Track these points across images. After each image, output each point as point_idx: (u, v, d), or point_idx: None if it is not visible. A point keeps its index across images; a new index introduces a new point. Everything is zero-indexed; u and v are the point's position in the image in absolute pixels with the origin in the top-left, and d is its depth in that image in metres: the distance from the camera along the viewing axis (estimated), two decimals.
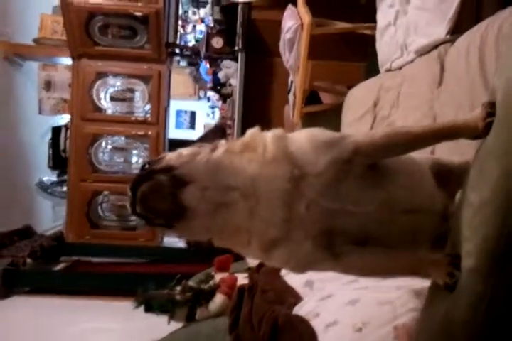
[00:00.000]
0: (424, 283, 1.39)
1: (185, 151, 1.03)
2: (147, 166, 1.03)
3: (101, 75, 4.44)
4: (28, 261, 3.63)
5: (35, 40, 4.46)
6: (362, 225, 1.01)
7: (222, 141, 1.06)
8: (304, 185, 0.97)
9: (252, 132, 1.06)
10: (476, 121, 0.97)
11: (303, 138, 1.03)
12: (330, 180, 0.98)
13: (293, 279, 2.11)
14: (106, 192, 4.43)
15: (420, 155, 1.16)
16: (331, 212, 0.98)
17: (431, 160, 1.18)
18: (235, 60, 4.43)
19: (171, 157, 1.03)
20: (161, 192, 0.97)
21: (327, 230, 0.98)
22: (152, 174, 0.99)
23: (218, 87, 4.69)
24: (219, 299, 2.63)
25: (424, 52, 2.13)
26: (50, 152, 4.73)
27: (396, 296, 1.41)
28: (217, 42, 4.39)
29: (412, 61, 2.27)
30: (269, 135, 1.03)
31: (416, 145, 1.05)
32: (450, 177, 1.16)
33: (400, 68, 2.40)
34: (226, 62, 4.52)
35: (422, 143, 1.07)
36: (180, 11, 5.31)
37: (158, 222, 1.00)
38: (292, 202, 0.97)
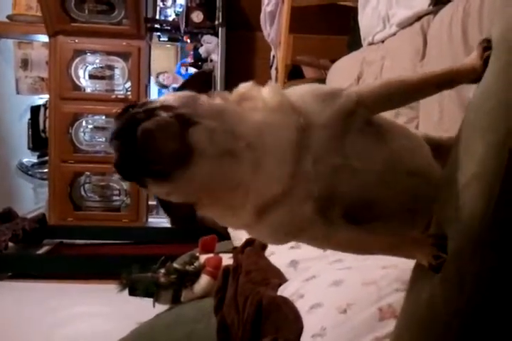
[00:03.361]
0: (410, 263, 1.36)
1: (180, 94, 0.92)
2: (131, 109, 0.88)
3: (79, 53, 4.33)
4: (10, 244, 3.57)
5: (9, 17, 4.33)
6: (364, 187, 0.94)
7: (217, 94, 0.95)
8: (310, 137, 0.90)
9: (246, 84, 0.97)
10: (474, 61, 0.94)
11: (303, 90, 0.96)
12: (335, 133, 0.92)
13: (277, 259, 2.09)
14: (88, 173, 4.36)
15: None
16: (336, 169, 0.91)
17: (421, 135, 1.14)
18: (216, 34, 4.33)
19: (166, 98, 0.91)
20: (169, 130, 0.83)
21: (328, 193, 0.92)
22: (151, 112, 0.84)
23: (199, 63, 4.59)
24: (204, 280, 2.60)
25: (406, 24, 2.07)
26: (30, 133, 4.63)
27: (380, 276, 1.38)
28: (197, 17, 4.28)
29: (394, 34, 2.21)
30: (266, 87, 0.96)
31: (415, 93, 1.01)
32: (439, 152, 1.12)
33: (383, 41, 2.34)
34: (206, 37, 4.42)
35: (421, 92, 1.02)
36: None
37: (157, 169, 0.85)
38: (299, 155, 0.89)
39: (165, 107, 0.85)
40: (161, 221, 4.75)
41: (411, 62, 1.94)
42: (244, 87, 0.96)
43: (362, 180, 0.93)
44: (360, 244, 0.98)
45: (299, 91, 0.96)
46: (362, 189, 0.93)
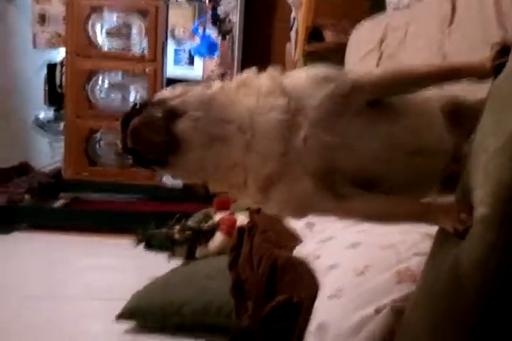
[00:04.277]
0: (430, 228, 1.38)
1: (179, 87, 1.02)
2: (138, 106, 1.01)
3: (96, 9, 4.27)
4: (26, 197, 3.63)
5: None
6: (364, 164, 0.98)
7: (217, 81, 1.05)
8: (301, 118, 0.95)
9: (249, 72, 1.04)
10: (485, 61, 0.96)
11: (300, 74, 1.02)
12: (328, 114, 0.96)
13: (294, 221, 2.11)
14: (103, 130, 4.37)
15: (433, 92, 1.12)
16: (330, 147, 0.95)
17: (445, 98, 1.14)
18: None
19: (163, 92, 1.02)
20: (153, 124, 0.95)
21: (327, 168, 0.95)
22: (143, 108, 0.97)
23: (217, 23, 4.53)
24: (218, 238, 2.66)
25: None
26: (46, 88, 4.63)
27: (399, 240, 1.41)
28: None
29: None
30: (265, 73, 1.02)
31: (420, 83, 1.03)
32: (465, 116, 1.13)
33: (408, 6, 2.31)
34: None
35: (426, 82, 1.03)
36: None
37: (151, 158, 0.97)
38: (289, 134, 0.94)
39: (157, 103, 0.98)
40: (174, 182, 4.78)
41: (438, 28, 1.92)
42: (246, 73, 1.04)
43: (359, 158, 0.97)
44: (383, 211, 0.99)
45: (297, 75, 1.02)
46: (360, 166, 0.97)
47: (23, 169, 4.19)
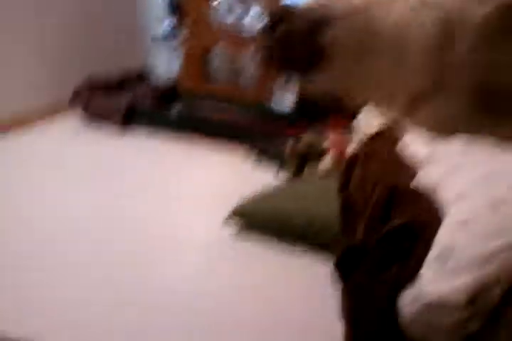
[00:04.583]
0: None
1: None
2: (280, 14, 0.94)
3: None
4: (146, 102, 3.77)
5: None
6: None
7: None
8: (460, 32, 0.85)
9: None
10: None
11: None
12: (492, 30, 0.85)
13: (413, 150, 2.04)
14: (219, 49, 4.37)
15: None
16: (491, 65, 0.86)
17: None
18: None
19: (308, 2, 0.95)
20: (300, 33, 0.89)
21: (487, 87, 0.87)
22: (287, 16, 0.91)
23: None
24: (329, 160, 2.66)
25: None
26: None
27: None
28: None
29: None
30: None
31: None
32: None
33: None
34: None
35: None
36: None
37: (300, 67, 0.92)
38: (446, 46, 0.85)
39: (303, 10, 0.90)
40: (286, 103, 4.76)
41: None
42: None
43: None
44: None
45: None
46: None
47: (144, 76, 4.37)
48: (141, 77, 4.35)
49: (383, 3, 0.92)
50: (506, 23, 0.87)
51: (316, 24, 0.90)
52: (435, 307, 1.20)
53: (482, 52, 0.86)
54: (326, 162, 2.65)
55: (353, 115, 2.89)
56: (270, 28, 0.95)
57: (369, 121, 2.87)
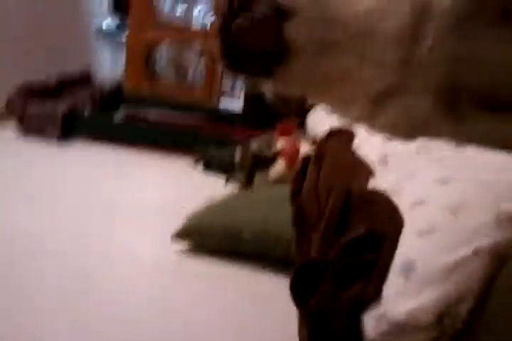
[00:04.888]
0: None
1: None
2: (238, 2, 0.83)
3: None
4: (87, 107, 3.59)
5: None
6: (497, 82, 0.82)
7: None
8: (427, 23, 0.80)
9: None
10: None
11: None
12: (459, 18, 0.80)
13: (366, 153, 1.97)
14: (165, 44, 4.23)
15: None
16: (458, 58, 0.81)
17: None
18: None
19: None
20: (263, 24, 0.79)
21: (451, 85, 0.80)
22: (247, 5, 0.80)
23: None
24: (280, 165, 2.55)
25: None
26: None
27: (498, 178, 1.25)
28: None
29: None
30: None
31: None
32: None
33: None
34: None
35: None
36: None
37: (256, 67, 0.82)
38: (413, 40, 0.80)
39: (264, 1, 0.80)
40: (232, 104, 4.66)
41: None
42: None
43: (491, 74, 0.80)
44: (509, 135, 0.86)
45: None
46: (492, 84, 0.81)
47: (85, 78, 4.16)
48: (82, 79, 4.13)
49: None
50: (473, 7, 0.82)
51: (279, 14, 0.81)
52: (403, 328, 1.09)
53: (449, 46, 0.79)
54: (278, 167, 2.53)
55: (304, 118, 2.80)
56: (226, 21, 0.84)
57: (321, 122, 2.79)
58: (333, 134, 2.31)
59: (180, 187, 2.80)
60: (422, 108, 0.82)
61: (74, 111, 3.42)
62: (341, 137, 2.23)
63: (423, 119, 0.84)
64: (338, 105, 0.89)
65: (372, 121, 0.87)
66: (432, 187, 1.35)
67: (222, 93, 4.51)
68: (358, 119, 0.90)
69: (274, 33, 0.79)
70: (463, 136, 0.87)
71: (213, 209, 2.19)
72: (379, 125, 0.88)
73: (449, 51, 0.80)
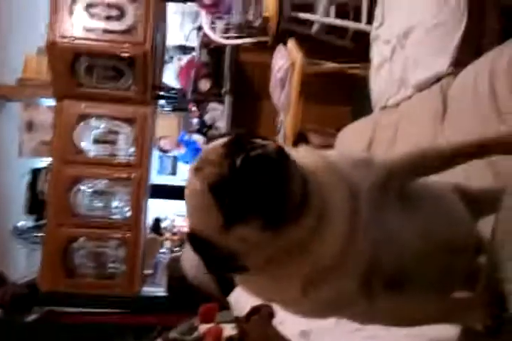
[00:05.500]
0: (441, 331, 1.24)
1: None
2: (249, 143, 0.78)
3: (84, 117, 4.32)
4: None
5: (19, 81, 4.36)
6: (403, 260, 0.87)
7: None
8: (358, 206, 0.84)
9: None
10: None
11: (339, 155, 0.91)
12: (374, 203, 0.86)
13: (287, 329, 1.94)
14: (83, 238, 4.22)
15: (438, 180, 1.04)
16: (379, 242, 0.84)
17: (451, 186, 1.06)
18: (222, 102, 4.36)
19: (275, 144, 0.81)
20: (298, 176, 0.78)
21: (371, 266, 0.83)
22: (282, 153, 0.77)
23: (204, 130, 4.58)
24: None
25: (424, 86, 2.05)
26: (28, 195, 4.54)
27: None
28: (205, 85, 4.32)
29: (410, 97, 2.18)
30: (300, 149, 0.90)
31: (448, 162, 0.95)
32: (472, 204, 1.04)
33: (397, 105, 2.31)
34: (213, 105, 4.44)
35: (455, 161, 0.96)
36: (166, 57, 5.25)
37: (276, 213, 0.77)
38: (353, 227, 0.82)
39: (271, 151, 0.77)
40: (155, 290, 4.56)
41: (430, 124, 1.89)
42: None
43: (400, 252, 0.86)
44: (409, 312, 0.89)
45: (335, 156, 0.90)
46: (399, 262, 0.86)
47: None
48: None
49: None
50: (380, 195, 0.88)
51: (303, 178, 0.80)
52: None
53: (371, 232, 0.83)
54: None
55: (223, 303, 2.78)
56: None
57: (243, 300, 2.76)
58: (253, 312, 2.30)
59: None
60: (349, 288, 0.84)
61: None
62: (262, 315, 2.21)
63: (347, 298, 0.85)
64: (273, 282, 0.86)
65: (299, 300, 0.86)
66: None
67: (144, 279, 4.45)
68: (284, 300, 0.88)
69: (300, 187, 0.79)
70: (374, 310, 0.88)
71: None
72: (302, 304, 0.87)
73: (373, 236, 0.84)
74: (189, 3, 4.56)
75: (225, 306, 3.00)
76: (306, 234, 0.80)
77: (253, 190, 0.73)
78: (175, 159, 6.46)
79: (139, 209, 4.26)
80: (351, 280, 0.83)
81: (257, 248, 0.78)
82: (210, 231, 0.77)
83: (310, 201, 0.78)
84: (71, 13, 4.07)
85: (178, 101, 4.80)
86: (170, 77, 5.01)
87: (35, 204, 4.50)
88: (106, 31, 4.15)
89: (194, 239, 0.80)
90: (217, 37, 3.82)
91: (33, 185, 4.51)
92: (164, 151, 5.20)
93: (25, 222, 4.69)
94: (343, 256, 0.82)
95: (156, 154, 5.16)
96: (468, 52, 1.92)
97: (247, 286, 0.89)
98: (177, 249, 4.99)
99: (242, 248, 0.78)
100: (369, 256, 0.83)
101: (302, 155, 0.86)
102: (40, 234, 4.41)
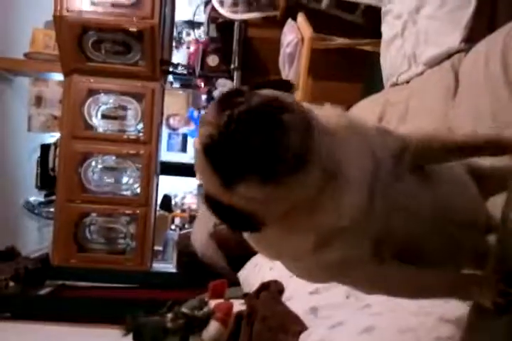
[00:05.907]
0: (450, 310, 1.25)
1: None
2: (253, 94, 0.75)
3: (93, 92, 4.30)
4: (11, 284, 3.44)
5: (26, 55, 4.33)
6: (414, 231, 0.87)
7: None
8: (380, 171, 0.84)
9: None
10: None
11: (362, 121, 0.89)
12: (394, 172, 0.86)
13: (296, 305, 1.96)
14: (94, 214, 4.26)
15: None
16: (394, 210, 0.84)
17: (464, 164, 1.06)
18: (231, 78, 4.33)
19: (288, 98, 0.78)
20: (305, 130, 0.74)
21: (383, 233, 0.84)
22: (288, 106, 0.74)
23: None
24: (213, 327, 2.46)
25: (435, 63, 2.02)
26: (38, 171, 4.57)
27: (418, 323, 1.26)
28: (213, 60, 4.29)
29: (421, 73, 2.15)
30: (326, 107, 0.88)
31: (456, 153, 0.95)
32: (482, 182, 1.04)
33: (408, 81, 2.29)
34: (221, 81, 4.41)
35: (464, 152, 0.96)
36: (175, 33, 5.20)
37: (276, 168, 0.74)
38: (373, 191, 0.82)
39: (298, 106, 0.76)
40: (165, 266, 4.62)
41: (442, 101, 1.87)
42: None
43: (412, 221, 0.86)
44: (417, 283, 0.89)
45: (359, 119, 0.89)
46: (408, 234, 0.86)
47: (10, 254, 4.02)
48: (6, 254, 3.99)
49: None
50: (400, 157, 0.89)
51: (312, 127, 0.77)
52: None
53: (389, 199, 0.83)
54: (211, 329, 2.44)
55: (233, 279, 2.81)
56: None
57: (253, 276, 2.79)
58: (263, 288, 2.32)
59: None
60: (359, 253, 0.84)
61: None
62: (271, 291, 2.23)
63: (356, 259, 0.85)
64: (287, 236, 0.85)
65: (309, 258, 0.85)
66: (358, 337, 1.35)
67: (154, 255, 4.49)
68: (294, 256, 0.88)
69: (305, 142, 0.75)
70: (381, 276, 0.88)
71: None
72: (311, 262, 0.87)
73: (389, 203, 0.84)
74: None
75: (235, 282, 3.04)
76: (315, 191, 0.78)
77: (243, 148, 0.72)
78: (184, 136, 6.47)
79: (148, 185, 4.28)
80: (363, 245, 0.83)
81: (266, 204, 0.77)
82: (215, 192, 0.77)
83: (311, 156, 0.75)
84: None
85: (187, 78, 4.76)
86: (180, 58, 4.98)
87: (47, 180, 4.52)
88: (113, 5, 4.12)
89: (208, 199, 0.80)
90: (225, 11, 3.77)
91: (43, 161, 4.52)
92: (174, 129, 5.20)
93: (36, 197, 4.73)
94: (357, 222, 0.82)
95: (165, 132, 5.16)
96: (480, 27, 1.89)
97: (256, 240, 0.89)
98: (187, 225, 5.03)
99: (250, 205, 0.77)
100: (382, 223, 0.84)
101: (325, 113, 0.84)
102: (51, 209, 4.45)
